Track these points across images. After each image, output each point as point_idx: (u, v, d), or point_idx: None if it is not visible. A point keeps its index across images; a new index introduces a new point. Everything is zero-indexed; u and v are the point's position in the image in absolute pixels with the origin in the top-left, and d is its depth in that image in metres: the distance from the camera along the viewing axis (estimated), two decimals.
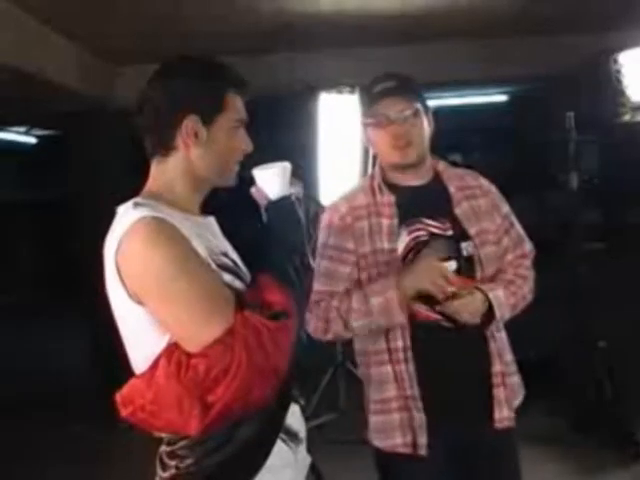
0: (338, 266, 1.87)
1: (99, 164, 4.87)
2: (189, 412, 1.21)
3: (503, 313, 1.85)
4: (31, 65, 3.60)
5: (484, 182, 2.02)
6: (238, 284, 1.36)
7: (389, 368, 1.84)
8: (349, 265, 1.86)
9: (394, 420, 1.84)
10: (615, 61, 3.81)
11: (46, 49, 3.80)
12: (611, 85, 3.84)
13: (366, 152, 3.89)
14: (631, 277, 3.69)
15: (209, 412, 1.21)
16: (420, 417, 1.80)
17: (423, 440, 1.80)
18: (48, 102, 4.48)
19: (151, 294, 1.26)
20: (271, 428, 1.36)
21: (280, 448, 1.37)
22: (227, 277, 1.34)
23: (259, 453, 1.33)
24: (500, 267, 1.94)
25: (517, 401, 1.94)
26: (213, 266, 1.31)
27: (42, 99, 4.38)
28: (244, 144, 1.44)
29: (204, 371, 1.20)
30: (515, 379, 1.95)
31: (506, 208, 2.01)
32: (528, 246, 2.03)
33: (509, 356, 1.95)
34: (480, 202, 1.94)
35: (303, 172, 1.61)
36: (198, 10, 3.65)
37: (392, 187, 1.92)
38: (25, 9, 3.41)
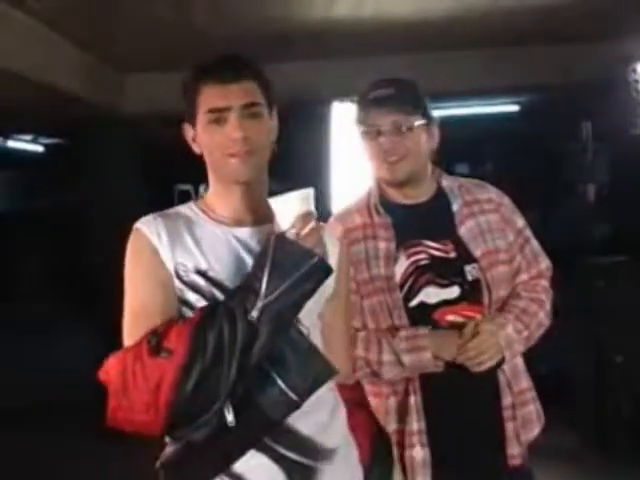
0: None
1: (108, 171, 4.82)
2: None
3: (515, 352, 1.69)
4: (36, 70, 3.56)
5: (495, 194, 1.81)
6: (203, 305, 1.28)
7: (392, 400, 1.71)
8: (352, 293, 1.64)
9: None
10: (634, 71, 3.74)
11: (52, 55, 3.75)
12: (629, 95, 3.77)
13: None
14: None
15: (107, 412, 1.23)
16: (425, 452, 1.66)
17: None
18: (54, 109, 4.43)
19: None
20: (213, 458, 1.28)
21: None
22: (192, 296, 1.30)
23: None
24: (513, 289, 1.77)
25: (533, 433, 1.77)
26: (177, 282, 1.31)
27: (48, 106, 4.33)
28: (228, 134, 1.31)
29: (104, 370, 1.24)
30: (530, 408, 1.77)
31: (520, 222, 1.80)
32: (545, 264, 1.82)
33: (525, 383, 1.78)
34: (490, 218, 1.75)
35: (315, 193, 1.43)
36: (208, 17, 3.62)
37: (390, 205, 1.74)
38: (30, 14, 3.37)
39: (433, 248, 1.69)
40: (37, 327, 7.27)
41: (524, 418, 1.74)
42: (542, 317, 1.76)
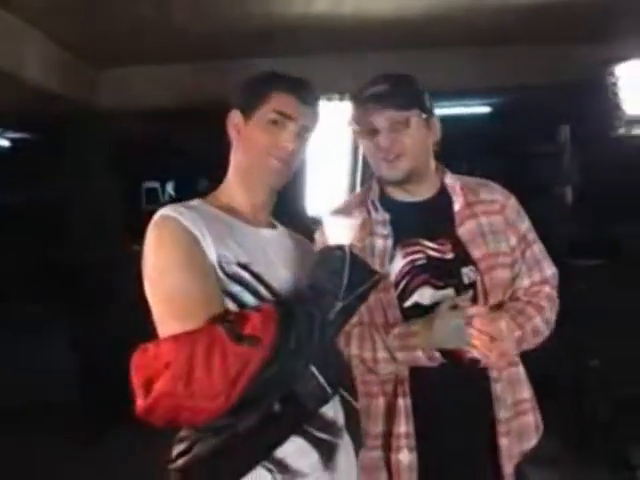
0: None
1: (82, 167, 4.73)
2: (135, 389, 1.24)
3: (503, 350, 1.58)
4: (9, 63, 3.47)
5: (501, 195, 1.76)
6: (248, 297, 1.36)
7: (381, 400, 1.68)
8: None
9: (379, 458, 1.68)
10: (612, 73, 3.73)
11: (26, 48, 3.66)
12: (607, 97, 3.76)
13: (355, 162, 3.80)
14: (627, 295, 3.60)
15: (149, 396, 1.22)
16: (412, 456, 1.62)
17: None
18: (27, 103, 4.33)
19: (145, 280, 1.36)
20: (258, 447, 1.32)
21: (261, 475, 1.33)
22: (235, 288, 1.35)
23: (241, 461, 1.31)
24: (513, 293, 1.72)
25: (530, 443, 1.74)
26: (220, 273, 1.33)
27: (20, 100, 4.23)
28: (283, 140, 1.45)
29: (152, 356, 1.23)
30: (529, 419, 1.73)
31: (525, 226, 1.75)
32: (549, 270, 1.76)
33: (525, 393, 1.74)
34: (493, 219, 1.70)
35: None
36: (187, 14, 3.55)
37: (390, 202, 1.71)
38: (4, 6, 3.28)
39: (431, 248, 1.65)
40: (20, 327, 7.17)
41: (521, 429, 1.69)
42: (538, 322, 1.69)
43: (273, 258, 1.46)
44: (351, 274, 1.33)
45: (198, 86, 4.43)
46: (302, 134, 1.49)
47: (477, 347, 1.51)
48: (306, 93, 1.48)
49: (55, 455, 3.98)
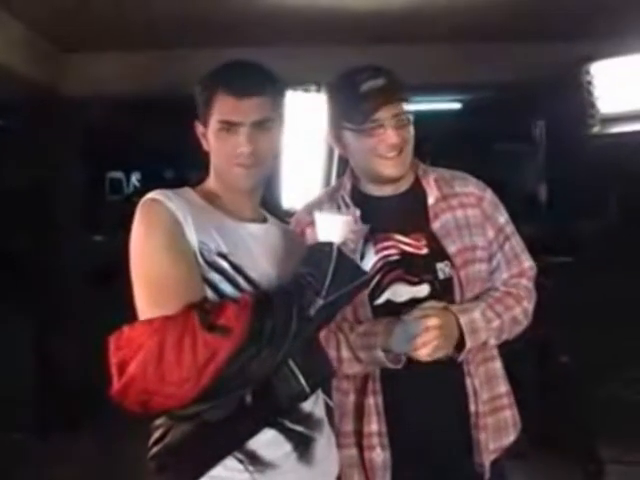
0: None
1: (44, 154, 4.59)
2: (112, 371, 1.25)
3: (479, 339, 1.57)
4: None
5: (476, 188, 1.72)
6: (226, 287, 1.34)
7: (352, 397, 1.64)
8: None
9: (352, 456, 1.64)
10: (587, 72, 3.74)
11: None
12: (582, 96, 3.78)
13: (330, 155, 3.75)
14: (599, 292, 3.63)
15: (121, 379, 1.23)
16: (385, 455, 1.59)
17: None
18: None
19: (131, 263, 1.34)
20: (229, 437, 1.31)
21: (233, 466, 1.31)
22: (214, 276, 1.34)
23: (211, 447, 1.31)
24: (490, 287, 1.69)
25: (508, 439, 1.71)
26: (200, 260, 1.32)
27: None
28: (237, 146, 1.39)
29: (126, 338, 1.24)
30: (506, 414, 1.70)
31: (502, 219, 1.72)
32: (527, 263, 1.73)
33: (502, 388, 1.71)
34: (469, 213, 1.66)
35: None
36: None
37: (361, 197, 1.67)
38: None
39: (404, 243, 1.60)
40: None
41: (498, 424, 1.66)
42: (518, 313, 1.66)
43: (258, 253, 1.43)
44: (336, 272, 1.31)
45: (165, 75, 4.33)
46: (258, 129, 1.41)
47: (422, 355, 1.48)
48: (247, 83, 1.40)
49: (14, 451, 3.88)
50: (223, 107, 1.39)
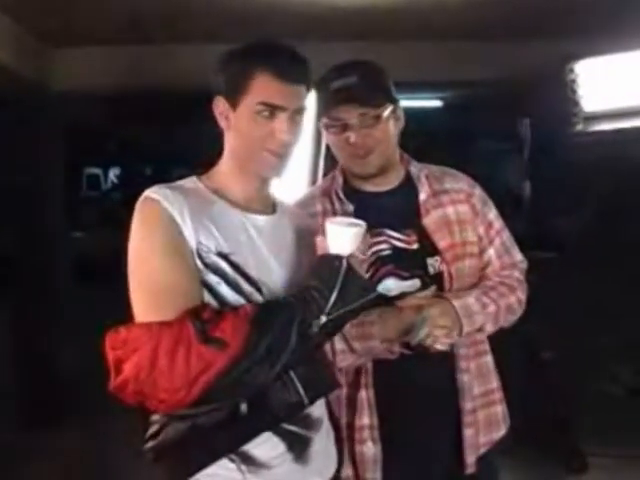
0: None
1: (34, 149, 4.52)
2: (109, 366, 1.25)
3: (475, 323, 1.59)
4: None
5: (466, 184, 1.76)
6: (225, 290, 1.30)
7: (344, 391, 1.65)
8: None
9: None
10: (571, 70, 3.78)
11: None
12: (565, 94, 3.81)
13: (317, 151, 3.75)
14: (583, 288, 3.68)
15: (118, 376, 1.22)
16: (376, 448, 1.60)
17: (376, 476, 1.61)
18: None
19: (128, 264, 1.31)
20: (222, 441, 1.30)
21: (226, 465, 1.31)
22: (212, 279, 1.30)
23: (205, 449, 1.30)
24: (483, 276, 1.72)
25: (498, 434, 1.74)
26: (198, 262, 1.28)
27: None
28: (277, 132, 1.32)
29: (122, 340, 1.22)
30: (497, 409, 1.74)
31: (492, 214, 1.76)
32: (518, 256, 1.79)
33: (494, 383, 1.75)
34: (459, 209, 1.69)
35: None
36: None
37: (353, 193, 1.69)
38: None
39: (396, 238, 1.62)
40: None
41: (489, 419, 1.69)
42: (513, 301, 1.68)
43: (262, 248, 1.39)
44: (343, 288, 1.28)
45: (150, 70, 4.30)
46: (296, 118, 1.37)
47: (431, 344, 1.51)
48: (294, 69, 1.35)
49: None
50: (266, 89, 1.33)
